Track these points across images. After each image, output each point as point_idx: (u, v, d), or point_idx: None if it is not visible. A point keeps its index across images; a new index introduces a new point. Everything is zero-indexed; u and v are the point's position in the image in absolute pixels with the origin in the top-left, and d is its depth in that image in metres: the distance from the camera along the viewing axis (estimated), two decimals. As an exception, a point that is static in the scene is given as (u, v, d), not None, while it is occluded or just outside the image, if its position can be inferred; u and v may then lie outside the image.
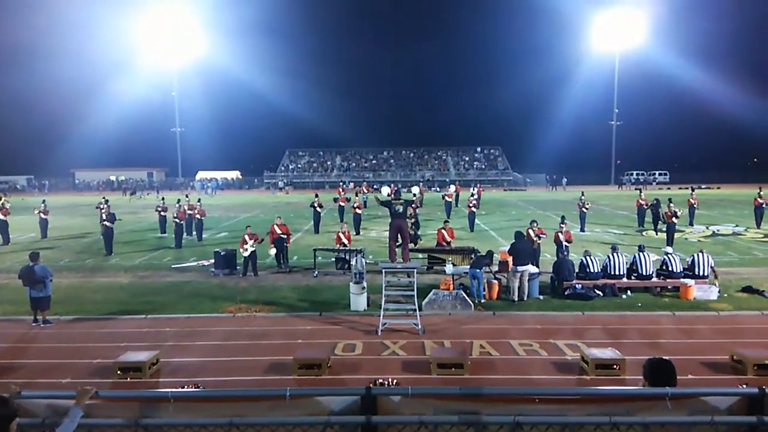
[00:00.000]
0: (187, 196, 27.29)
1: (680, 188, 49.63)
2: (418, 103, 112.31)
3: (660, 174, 70.19)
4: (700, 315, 11.99)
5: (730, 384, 7.95)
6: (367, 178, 63.57)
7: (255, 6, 75.70)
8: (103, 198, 27.53)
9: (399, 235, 11.97)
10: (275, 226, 17.01)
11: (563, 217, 17.80)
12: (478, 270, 13.31)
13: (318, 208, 24.76)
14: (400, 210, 11.67)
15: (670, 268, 13.91)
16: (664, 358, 3.32)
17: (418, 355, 9.73)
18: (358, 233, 23.73)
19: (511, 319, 11.81)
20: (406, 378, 8.43)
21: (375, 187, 47.01)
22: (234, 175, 77.68)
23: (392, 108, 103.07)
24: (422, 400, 2.85)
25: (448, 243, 17.14)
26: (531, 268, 13.40)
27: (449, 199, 30.55)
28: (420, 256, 17.05)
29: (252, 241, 16.08)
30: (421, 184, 41.43)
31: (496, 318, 11.98)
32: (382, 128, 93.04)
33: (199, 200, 25.12)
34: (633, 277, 13.94)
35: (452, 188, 33.76)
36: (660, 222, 22.66)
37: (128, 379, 8.69)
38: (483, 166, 73.84)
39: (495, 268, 14.21)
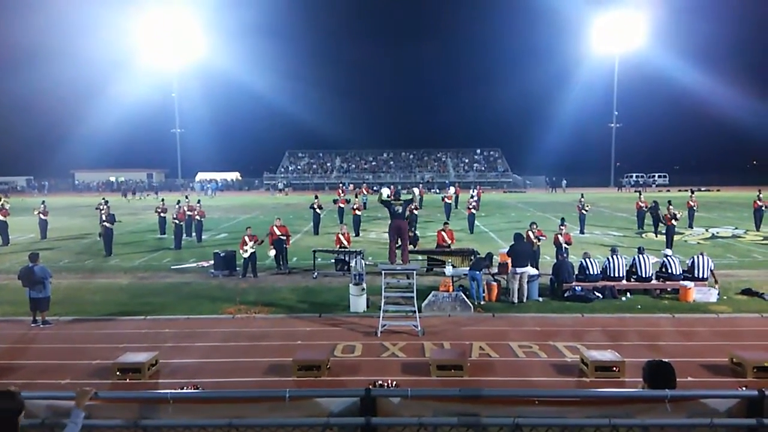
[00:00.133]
0: (186, 197, 27.29)
1: (680, 190, 49.66)
2: (417, 104, 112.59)
3: (659, 176, 70.29)
4: (699, 317, 11.99)
5: (729, 386, 7.94)
6: (366, 179, 63.61)
7: (255, 7, 75.90)
8: (103, 199, 27.52)
9: (398, 237, 11.98)
10: (275, 228, 17.01)
11: (563, 219, 17.81)
12: (477, 272, 13.31)
13: (317, 210, 24.75)
14: (400, 211, 11.69)
15: (669, 271, 13.93)
16: (663, 360, 3.32)
17: (417, 356, 9.72)
18: (357, 234, 23.73)
19: (510, 321, 11.80)
20: (405, 379, 8.41)
21: (375, 188, 47.05)
22: (234, 176, 77.72)
23: (392, 109, 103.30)
24: (422, 402, 2.85)
25: (448, 245, 17.13)
26: (530, 270, 13.40)
27: (449, 201, 30.56)
28: (419, 257, 17.05)
29: (252, 242, 16.08)
30: (420, 185, 41.43)
31: (496, 320, 11.97)
32: (382, 130, 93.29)
33: (198, 201, 25.11)
34: (632, 280, 13.95)
35: (452, 190, 33.73)
36: (660, 224, 22.67)
37: (127, 380, 8.68)
38: (483, 168, 73.90)
39: (494, 269, 14.20)
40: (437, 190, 57.32)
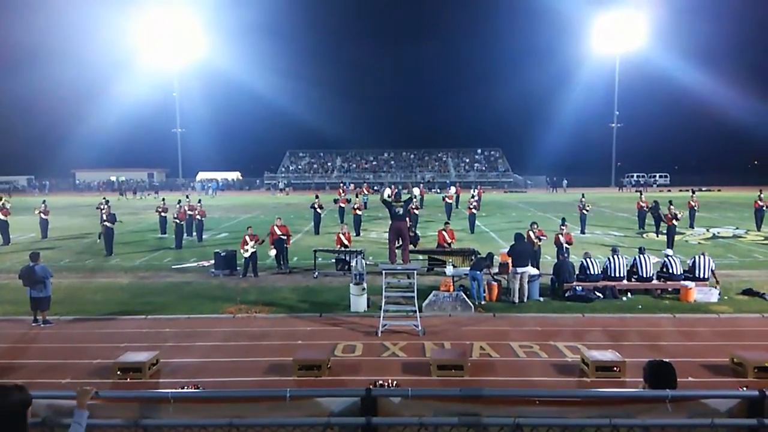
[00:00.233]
0: (187, 197, 27.28)
1: (681, 190, 49.61)
2: (418, 104, 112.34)
3: (660, 176, 70.20)
4: (700, 317, 11.99)
5: (730, 386, 7.94)
6: (367, 179, 63.51)
7: (255, 7, 75.83)
8: (104, 198, 27.54)
9: (399, 237, 11.98)
10: (275, 227, 17.01)
11: (564, 219, 17.80)
12: (478, 272, 13.31)
13: (318, 209, 24.75)
14: (400, 212, 11.70)
15: (670, 271, 13.92)
16: (664, 360, 3.32)
17: (418, 356, 9.73)
18: (358, 234, 23.73)
19: (511, 321, 11.80)
20: (406, 379, 8.41)
21: (375, 188, 47.00)
22: (234, 176, 77.68)
23: (393, 109, 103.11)
24: (422, 402, 2.85)
25: (449, 244, 17.14)
26: (531, 270, 13.40)
27: (450, 201, 30.56)
28: (420, 257, 17.04)
29: (253, 242, 16.09)
30: (421, 185, 41.42)
31: (496, 320, 11.97)
32: (383, 129, 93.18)
33: (199, 201, 25.12)
34: (633, 280, 13.94)
35: (453, 190, 33.74)
36: (661, 224, 22.66)
37: (128, 379, 8.69)
38: (483, 168, 73.86)
39: (495, 269, 14.20)
40: (438, 190, 57.30)
